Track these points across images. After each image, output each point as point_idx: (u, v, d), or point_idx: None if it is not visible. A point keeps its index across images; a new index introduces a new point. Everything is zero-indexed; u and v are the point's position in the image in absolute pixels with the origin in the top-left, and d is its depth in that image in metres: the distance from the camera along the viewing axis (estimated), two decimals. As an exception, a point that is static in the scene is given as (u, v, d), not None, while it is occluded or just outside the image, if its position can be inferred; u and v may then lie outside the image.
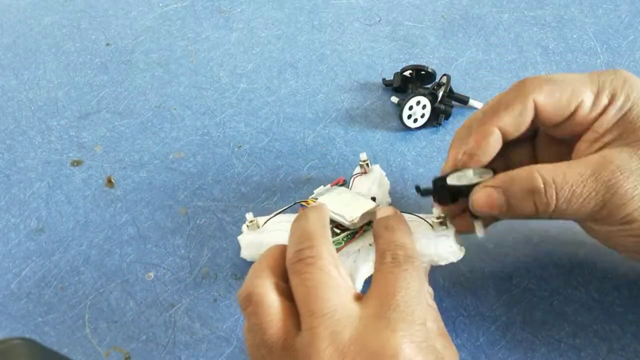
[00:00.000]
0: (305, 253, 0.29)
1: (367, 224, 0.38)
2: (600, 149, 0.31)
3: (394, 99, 0.50)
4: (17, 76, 0.55)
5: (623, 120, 0.31)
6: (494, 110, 0.32)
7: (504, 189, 0.31)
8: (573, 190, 0.30)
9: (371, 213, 0.37)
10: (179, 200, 0.44)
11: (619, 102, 0.31)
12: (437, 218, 0.35)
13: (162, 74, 0.54)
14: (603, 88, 0.31)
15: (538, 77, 0.32)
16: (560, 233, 0.41)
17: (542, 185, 0.30)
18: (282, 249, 0.31)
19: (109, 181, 0.46)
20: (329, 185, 0.42)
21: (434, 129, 0.48)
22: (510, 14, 0.57)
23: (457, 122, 0.48)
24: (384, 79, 0.51)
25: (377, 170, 0.42)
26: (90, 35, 0.59)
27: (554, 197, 0.30)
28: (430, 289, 0.32)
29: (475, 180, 0.32)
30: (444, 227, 0.35)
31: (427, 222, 0.36)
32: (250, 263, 0.38)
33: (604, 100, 0.31)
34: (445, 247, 0.35)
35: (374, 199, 0.40)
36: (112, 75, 0.54)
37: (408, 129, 0.47)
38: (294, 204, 0.38)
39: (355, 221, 0.36)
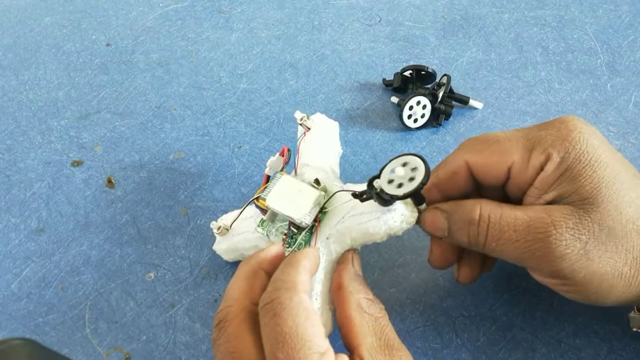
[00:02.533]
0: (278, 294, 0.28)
1: (320, 212, 0.35)
2: (547, 204, 0.30)
3: (394, 99, 0.50)
4: (17, 76, 0.55)
5: (564, 177, 0.29)
6: (438, 166, 0.34)
7: (449, 214, 0.32)
8: (503, 232, 0.30)
9: (318, 202, 0.34)
10: (179, 201, 0.44)
11: (555, 160, 0.29)
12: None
13: (162, 74, 0.54)
14: (537, 146, 0.30)
15: (476, 138, 0.33)
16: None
17: (477, 218, 0.31)
18: (255, 269, 0.31)
19: (109, 181, 0.46)
20: (276, 156, 0.38)
21: (434, 129, 0.48)
22: (510, 14, 0.57)
23: (457, 122, 0.48)
24: (384, 79, 0.51)
25: (317, 118, 0.39)
26: (91, 35, 0.59)
27: (485, 233, 0.30)
28: (370, 295, 0.31)
29: (406, 187, 0.30)
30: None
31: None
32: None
33: (539, 159, 0.30)
34: (396, 218, 0.32)
35: (317, 181, 0.36)
36: (112, 75, 0.54)
37: (408, 129, 0.47)
38: (250, 201, 0.36)
39: (306, 220, 0.34)
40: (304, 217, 0.33)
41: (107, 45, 0.57)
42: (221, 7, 0.61)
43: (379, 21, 0.58)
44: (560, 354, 0.35)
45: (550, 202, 0.30)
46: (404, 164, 0.31)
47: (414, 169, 0.30)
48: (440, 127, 0.48)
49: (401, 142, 0.47)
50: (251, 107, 0.51)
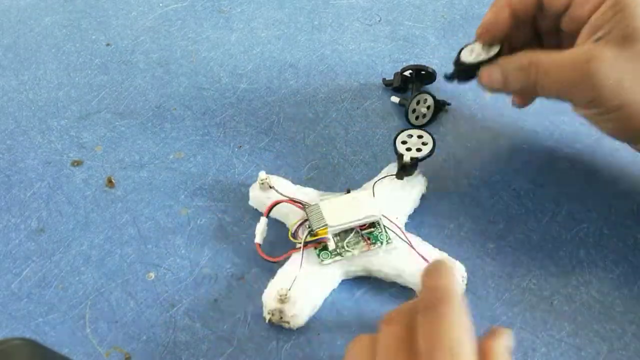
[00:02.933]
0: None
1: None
2: (595, 41, 0.34)
3: (395, 99, 0.50)
4: (17, 76, 0.55)
5: (616, 18, 0.33)
6: None
7: (502, 67, 0.37)
8: (550, 71, 0.35)
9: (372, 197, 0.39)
10: (179, 200, 0.44)
11: (609, 1, 0.33)
12: None
13: (162, 74, 0.54)
14: None
15: None
16: (560, 233, 0.41)
17: (526, 64, 0.36)
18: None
19: (110, 181, 0.46)
20: (262, 222, 0.40)
21: (435, 128, 0.48)
22: (510, 13, 0.57)
23: (457, 122, 0.48)
24: (384, 79, 0.51)
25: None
26: (90, 35, 0.59)
27: (534, 76, 0.36)
28: None
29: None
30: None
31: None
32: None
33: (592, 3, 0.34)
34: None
35: (348, 190, 0.41)
36: (112, 75, 0.54)
37: (412, 126, 0.47)
38: (301, 246, 0.37)
39: (378, 214, 0.38)
40: (376, 211, 0.38)
41: (107, 45, 0.57)
42: (221, 7, 0.61)
43: (379, 21, 0.58)
44: (561, 354, 0.35)
45: (597, 40, 0.34)
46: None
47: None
48: (441, 127, 0.48)
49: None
50: (251, 107, 0.51)
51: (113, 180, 0.46)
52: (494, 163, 0.45)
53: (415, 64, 0.50)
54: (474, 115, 0.49)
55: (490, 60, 0.38)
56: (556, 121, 0.48)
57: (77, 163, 0.48)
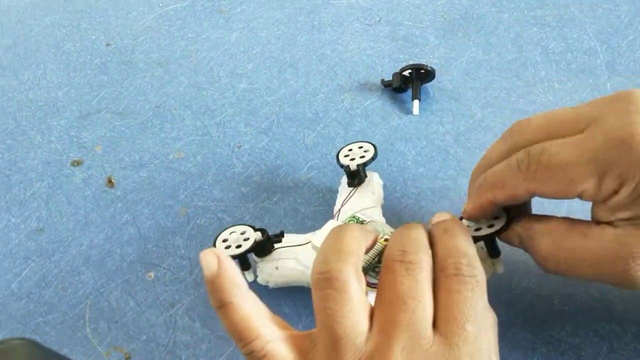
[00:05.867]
0: (409, 257, 0.28)
1: None
2: (618, 221, 0.29)
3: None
4: (17, 76, 0.55)
5: (639, 200, 0.27)
6: (494, 186, 0.32)
7: (520, 236, 0.33)
8: (577, 264, 0.30)
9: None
10: (179, 200, 0.44)
11: (631, 185, 0.27)
12: None
13: (162, 74, 0.54)
14: (609, 172, 0.27)
15: (535, 159, 0.29)
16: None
17: (552, 248, 0.31)
18: (363, 234, 0.30)
19: (109, 181, 0.46)
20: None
21: (435, 128, 0.48)
22: (510, 13, 0.57)
23: (457, 121, 0.48)
24: (382, 80, 0.51)
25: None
26: (90, 35, 0.59)
27: (558, 265, 0.31)
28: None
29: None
30: None
31: None
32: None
33: (612, 184, 0.27)
34: None
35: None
36: (112, 75, 0.54)
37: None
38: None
39: None
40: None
41: (107, 45, 0.57)
42: (221, 7, 0.61)
43: (379, 21, 0.58)
44: (561, 353, 0.35)
45: (623, 220, 0.28)
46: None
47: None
48: (440, 127, 0.48)
49: (401, 142, 0.47)
50: (251, 107, 0.51)
51: (113, 180, 0.46)
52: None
53: (414, 62, 0.50)
54: (473, 115, 0.49)
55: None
56: (556, 121, 0.48)
57: (77, 163, 0.48)
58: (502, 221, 0.33)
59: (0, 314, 0.39)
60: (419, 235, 0.30)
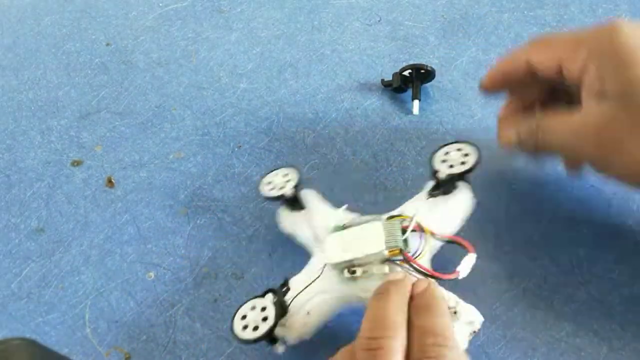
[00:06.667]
0: (378, 344, 0.28)
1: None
2: (597, 102, 0.34)
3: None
4: (17, 76, 0.55)
5: (605, 74, 0.33)
6: (505, 58, 0.40)
7: (517, 129, 0.39)
8: (561, 138, 0.36)
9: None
10: (179, 200, 0.44)
11: (594, 56, 0.33)
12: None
13: (162, 74, 0.54)
14: (581, 45, 0.34)
15: (538, 40, 0.38)
16: (560, 233, 0.41)
17: (535, 127, 0.37)
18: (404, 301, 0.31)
19: (109, 181, 0.46)
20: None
21: (435, 128, 0.48)
22: (510, 13, 0.57)
23: (457, 121, 0.48)
24: (382, 80, 0.51)
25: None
26: (90, 35, 0.59)
27: (542, 139, 0.37)
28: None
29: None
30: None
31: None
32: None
33: (582, 54, 0.34)
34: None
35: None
36: (112, 75, 0.54)
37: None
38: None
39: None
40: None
41: (107, 45, 0.57)
42: (221, 7, 0.61)
43: (379, 21, 0.58)
44: (561, 353, 0.35)
45: (601, 95, 0.33)
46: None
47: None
48: (440, 127, 0.48)
49: (401, 142, 0.47)
50: (251, 107, 0.51)
51: (113, 180, 0.46)
52: (494, 163, 0.45)
53: (414, 62, 0.50)
54: (473, 115, 0.49)
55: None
56: (556, 121, 0.48)
57: (77, 163, 0.48)
58: (473, 158, 0.36)
59: (0, 314, 0.39)
60: (394, 310, 0.30)
